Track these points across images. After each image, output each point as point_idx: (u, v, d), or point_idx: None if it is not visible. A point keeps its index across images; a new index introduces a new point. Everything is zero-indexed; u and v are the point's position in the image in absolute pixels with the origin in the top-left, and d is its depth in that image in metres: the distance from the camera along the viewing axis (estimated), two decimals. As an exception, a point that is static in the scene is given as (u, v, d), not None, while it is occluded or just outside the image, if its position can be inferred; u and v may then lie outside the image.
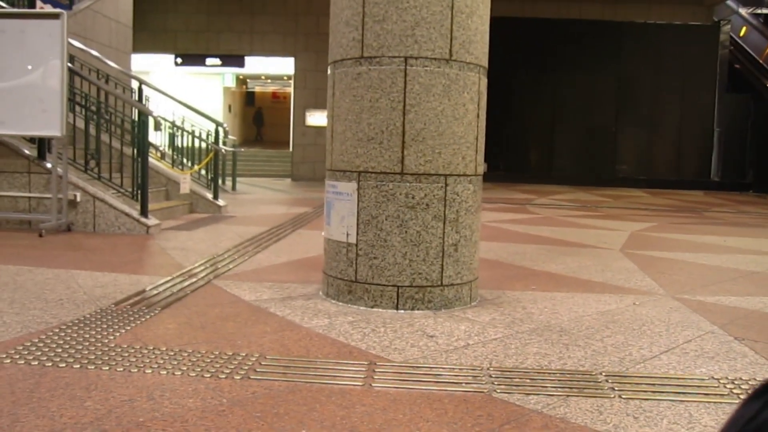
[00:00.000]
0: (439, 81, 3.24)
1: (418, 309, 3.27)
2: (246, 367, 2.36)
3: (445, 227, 3.30)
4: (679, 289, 4.17)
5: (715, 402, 2.20)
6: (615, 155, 17.41)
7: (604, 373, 2.43)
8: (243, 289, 3.72)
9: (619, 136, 17.34)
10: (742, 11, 18.35)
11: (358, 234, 3.32)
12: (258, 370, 2.36)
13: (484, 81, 3.52)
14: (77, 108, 6.69)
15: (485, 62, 3.51)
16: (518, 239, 6.50)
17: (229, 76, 22.30)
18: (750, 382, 2.39)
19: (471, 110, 3.37)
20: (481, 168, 3.55)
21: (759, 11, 18.40)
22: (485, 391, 2.22)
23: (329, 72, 3.55)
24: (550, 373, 2.41)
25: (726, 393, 2.28)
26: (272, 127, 25.85)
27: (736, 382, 2.39)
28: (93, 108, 6.68)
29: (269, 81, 26.45)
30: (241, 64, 18.13)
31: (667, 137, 17.36)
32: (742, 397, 2.23)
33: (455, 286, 3.37)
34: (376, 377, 2.32)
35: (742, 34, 18.46)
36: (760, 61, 17.55)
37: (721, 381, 2.40)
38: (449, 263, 3.33)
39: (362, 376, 2.33)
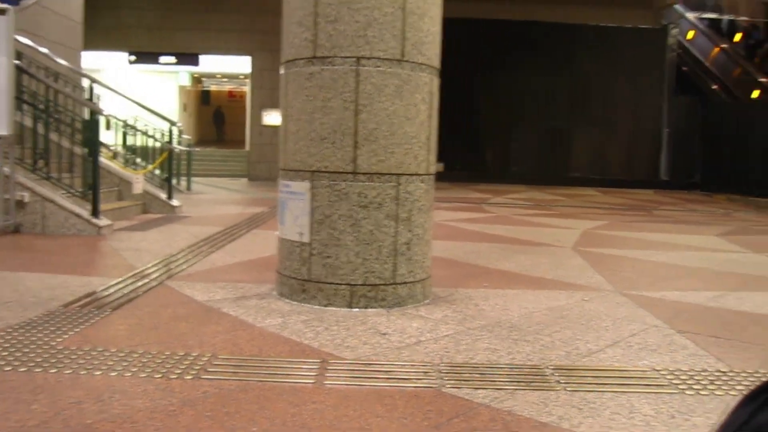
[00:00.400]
0: (392, 81, 3.28)
1: (371, 307, 3.30)
2: (197, 368, 2.36)
3: (398, 226, 3.34)
4: (628, 285, 4.29)
5: (655, 393, 2.28)
6: (569, 155, 17.72)
7: (551, 367, 2.50)
8: (196, 289, 3.69)
9: (574, 136, 17.66)
10: (690, 16, 18.86)
11: (311, 233, 3.34)
12: (209, 369, 2.35)
13: (436, 82, 3.56)
14: (25, 106, 6.54)
15: (437, 63, 3.55)
16: (473, 238, 6.58)
17: (184, 74, 22.01)
18: (689, 373, 2.48)
19: (423, 110, 3.41)
20: (434, 167, 3.60)
21: (705, 16, 18.94)
22: (435, 386, 2.26)
23: (282, 72, 3.56)
24: (499, 368, 2.47)
25: (666, 384, 2.36)
26: (228, 126, 25.61)
27: (675, 373, 2.48)
28: (42, 106, 6.54)
29: (225, 80, 26.19)
30: (196, 63, 17.90)
31: (619, 138, 17.74)
32: (681, 387, 2.33)
33: (408, 284, 3.40)
34: (327, 375, 2.34)
35: (689, 37, 18.97)
36: (707, 65, 18.07)
37: (662, 372, 2.49)
38: (402, 261, 3.36)
39: (314, 374, 2.35)
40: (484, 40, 17.12)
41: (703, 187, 16.14)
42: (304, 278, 3.37)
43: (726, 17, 18.94)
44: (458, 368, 2.45)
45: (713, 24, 18.88)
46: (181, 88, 22.56)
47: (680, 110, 17.56)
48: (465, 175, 16.33)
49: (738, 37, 18.63)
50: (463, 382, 2.30)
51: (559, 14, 17.13)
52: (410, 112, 3.34)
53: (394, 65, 3.28)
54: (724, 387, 2.35)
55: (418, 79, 3.38)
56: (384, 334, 2.88)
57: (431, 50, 3.47)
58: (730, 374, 2.50)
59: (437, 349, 2.69)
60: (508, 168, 17.50)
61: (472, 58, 16.99)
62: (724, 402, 2.20)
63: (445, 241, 5.94)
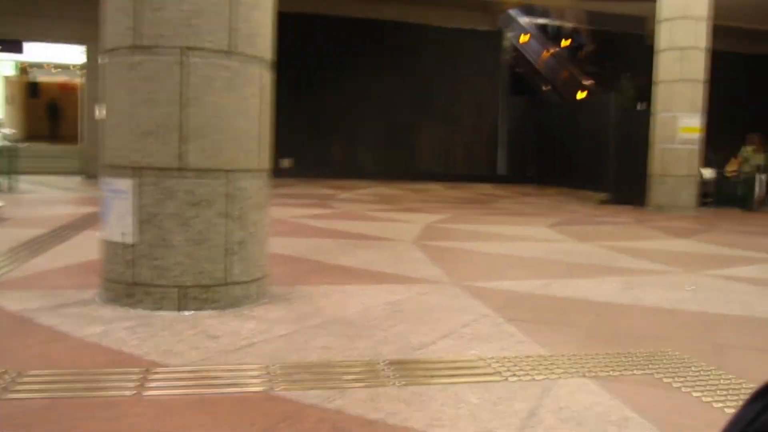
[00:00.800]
0: (220, 74, 3.15)
1: (203, 310, 3.15)
2: (0, 386, 2.12)
3: (231, 224, 3.21)
4: (464, 277, 4.43)
5: (482, 381, 2.34)
6: (415, 151, 18.19)
7: (384, 362, 2.50)
8: (9, 298, 3.35)
9: (419, 133, 18.14)
10: (523, 20, 19.98)
11: (137, 234, 3.13)
12: (15, 388, 2.13)
13: (269, 75, 3.47)
14: None
15: (269, 56, 3.46)
16: (317, 234, 6.54)
17: (8, 63, 20.19)
18: (514, 360, 2.58)
19: (255, 104, 3.31)
20: (267, 163, 3.50)
21: (536, 21, 20.13)
22: (264, 389, 2.18)
23: (101, 61, 3.31)
24: (332, 366, 2.43)
25: (492, 372, 2.44)
26: (64, 120, 23.80)
27: (502, 361, 2.56)
28: None
29: (57, 70, 24.33)
30: (20, 50, 16.46)
31: (461, 135, 18.48)
32: (505, 374, 2.41)
33: (243, 284, 3.29)
34: (149, 385, 2.19)
35: (523, 41, 20.12)
36: (538, 67, 19.26)
37: (489, 361, 2.56)
38: (235, 261, 3.24)
39: (134, 384, 2.19)
40: (331, 37, 17.16)
41: (536, 181, 17.19)
42: (129, 282, 3.16)
43: (554, 23, 20.25)
44: (290, 369, 2.38)
45: (543, 29, 20.12)
46: (6, 79, 20.69)
47: (516, 109, 18.62)
48: (313, 170, 16.31)
49: (565, 42, 20.02)
50: (294, 383, 2.24)
51: (404, 14, 17.53)
52: (241, 106, 3.23)
53: (224, 57, 3.15)
54: (544, 371, 2.46)
55: (249, 73, 3.27)
56: (215, 337, 2.76)
57: (263, 42, 3.37)
58: (551, 358, 2.63)
59: (270, 350, 2.61)
60: (356, 164, 17.68)
61: (319, 55, 16.99)
62: (544, 386, 2.30)
63: (288, 238, 5.85)
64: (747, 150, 13.33)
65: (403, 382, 2.28)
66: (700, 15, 11.18)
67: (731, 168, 13.39)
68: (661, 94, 11.49)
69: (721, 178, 13.40)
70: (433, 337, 2.87)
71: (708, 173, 13.44)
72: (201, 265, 3.15)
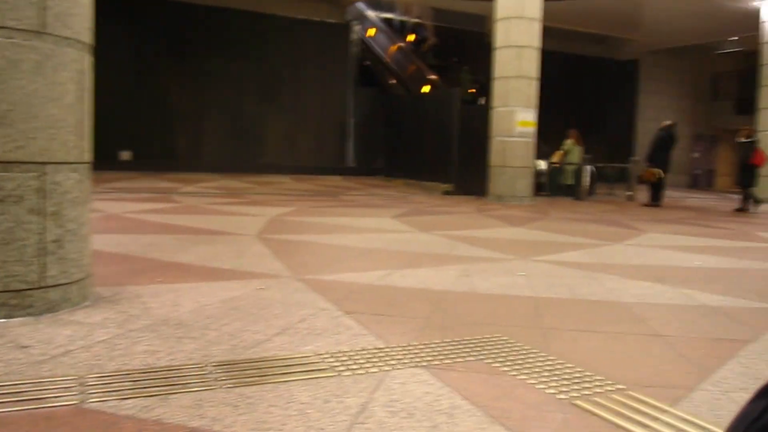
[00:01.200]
0: (30, 56, 2.85)
1: (14, 317, 2.85)
2: None
3: (45, 222, 2.93)
4: (306, 270, 4.36)
5: (315, 378, 2.29)
6: (262, 143, 17.87)
7: (212, 364, 2.38)
8: None
9: (266, 124, 17.84)
10: (371, 14, 20.22)
11: (-70, 234, 2.77)
12: None
13: (89, 59, 3.20)
14: None
15: (89, 39, 3.19)
16: (155, 230, 6.21)
17: None
18: (349, 354, 2.55)
19: (72, 90, 3.04)
20: (88, 155, 3.23)
21: (383, 15, 20.45)
22: (76, 402, 1.99)
23: None
24: (155, 372, 2.28)
25: (326, 367, 2.39)
26: None
27: (336, 356, 2.53)
28: None
29: None
30: None
31: (309, 126, 18.39)
32: (339, 369, 2.37)
33: (61, 286, 3.02)
34: (-63, 406, 1.94)
35: (371, 34, 20.37)
36: (386, 60, 19.57)
37: (323, 356, 2.52)
38: (52, 261, 2.97)
39: None
40: (174, 24, 16.44)
41: (385, 173, 17.50)
42: None
43: (400, 17, 20.66)
44: (108, 378, 2.20)
45: (389, 23, 20.48)
46: None
47: (364, 101, 18.82)
48: (156, 163, 15.57)
49: (412, 37, 20.49)
50: (110, 393, 2.07)
51: (252, 3, 17.14)
52: (55, 92, 2.95)
53: (33, 37, 2.86)
54: (379, 364, 2.46)
55: (64, 56, 2.99)
56: (25, 347, 2.50)
57: (80, 23, 3.10)
58: (386, 350, 2.63)
59: (88, 357, 2.40)
60: (201, 156, 17.10)
61: (162, 41, 16.23)
62: (377, 379, 2.29)
63: (122, 235, 5.51)
64: (567, 143, 14.36)
65: (232, 384, 2.18)
66: (534, 16, 11.85)
67: (555, 159, 14.37)
68: (498, 89, 12.06)
69: (553, 169, 14.33)
70: (267, 335, 2.78)
71: (542, 164, 14.31)
72: (10, 267, 2.85)
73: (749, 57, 19.62)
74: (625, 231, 7.83)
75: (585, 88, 22.90)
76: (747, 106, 18.97)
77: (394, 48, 19.50)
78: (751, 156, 12.27)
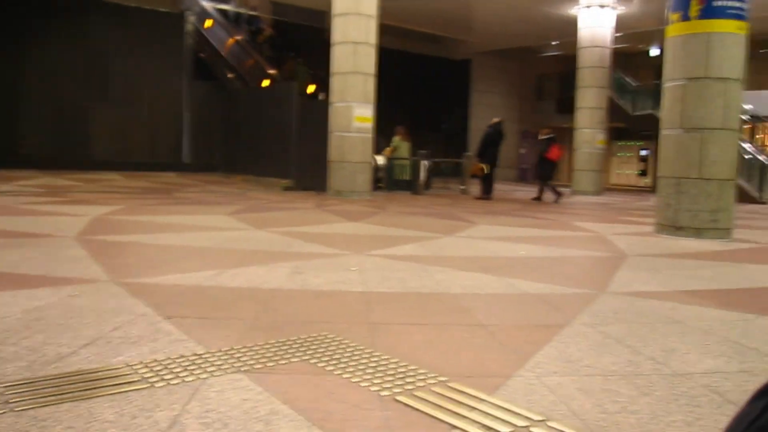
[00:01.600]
0: None
1: None
2: None
3: None
4: (127, 273, 4.08)
5: (125, 392, 2.10)
6: (90, 138, 16.66)
7: (4, 385, 2.12)
8: None
9: (93, 117, 16.64)
10: (206, 4, 19.53)
11: None
12: None
13: None
14: None
15: None
16: (-46, 234, 5.56)
17: None
18: (164, 362, 2.39)
19: None
20: None
21: (221, 6, 19.83)
22: None
23: None
24: (-71, 398, 1.98)
25: (138, 379, 2.21)
26: None
27: (150, 365, 2.35)
28: None
29: None
30: None
31: (141, 120, 17.41)
32: (152, 380, 2.20)
33: None
34: None
35: (207, 26, 19.68)
36: (223, 54, 18.97)
37: (136, 367, 2.33)
38: None
39: None
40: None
41: (222, 169, 17.02)
42: None
43: (236, 9, 20.13)
44: None
45: (226, 14, 19.89)
46: None
47: (200, 95, 18.15)
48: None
49: (248, 28, 20.01)
50: None
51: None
52: None
53: None
54: (197, 371, 2.31)
55: None
56: None
57: None
58: (206, 356, 2.49)
59: None
60: (18, 151, 15.65)
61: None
62: (193, 388, 2.15)
63: None
64: (395, 140, 14.80)
65: (24, 406, 1.95)
66: (370, 13, 11.99)
67: (386, 154, 14.73)
68: (336, 85, 12.10)
69: (391, 164, 14.63)
70: (74, 347, 2.54)
71: (380, 159, 14.57)
72: None
73: (569, 60, 21.19)
74: (457, 223, 8.13)
75: (423, 86, 23.63)
76: (567, 106, 20.51)
77: (231, 41, 18.98)
78: (548, 151, 13.31)
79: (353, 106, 11.96)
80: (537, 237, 7.18)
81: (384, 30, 12.61)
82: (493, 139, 13.28)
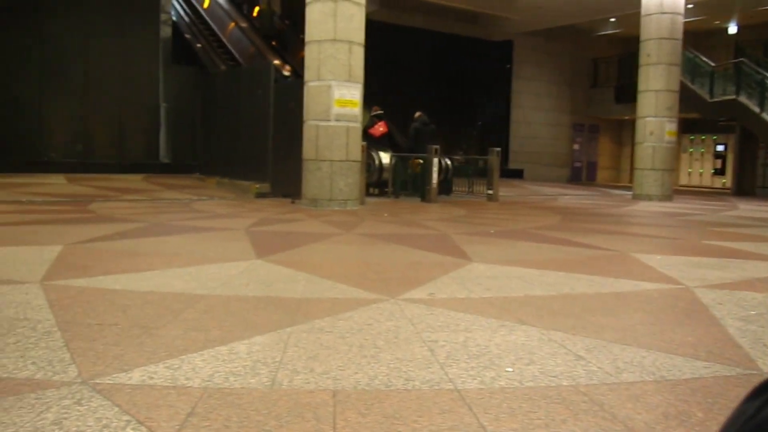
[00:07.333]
0: None
1: None
2: None
3: None
4: None
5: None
6: (41, 135, 13.72)
7: None
8: None
9: (47, 108, 13.72)
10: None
11: None
12: None
13: None
14: None
15: None
16: None
17: None
18: None
19: None
20: None
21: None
22: None
23: None
24: None
25: None
26: None
27: None
28: None
29: None
30: None
31: (106, 112, 14.40)
32: None
33: None
34: None
35: (206, 6, 16.93)
36: (223, 38, 16.06)
37: None
38: None
39: None
40: None
41: (201, 170, 14.16)
42: None
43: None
44: None
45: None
46: None
47: (180, 82, 15.01)
48: None
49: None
50: None
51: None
52: None
53: None
54: None
55: None
56: None
57: None
58: None
59: None
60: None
61: None
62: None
63: None
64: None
65: None
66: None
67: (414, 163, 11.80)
68: (312, 56, 9.03)
69: (397, 163, 11.49)
70: None
71: (385, 158, 11.48)
72: None
73: (630, 41, 17.62)
74: (437, 261, 4.95)
75: (456, 71, 20.33)
76: (628, 94, 17.00)
77: (231, 25, 16.11)
78: (371, 127, 11.54)
79: (332, 85, 8.86)
80: (568, 298, 3.94)
81: (408, 6, 9.42)
82: (425, 132, 11.84)
